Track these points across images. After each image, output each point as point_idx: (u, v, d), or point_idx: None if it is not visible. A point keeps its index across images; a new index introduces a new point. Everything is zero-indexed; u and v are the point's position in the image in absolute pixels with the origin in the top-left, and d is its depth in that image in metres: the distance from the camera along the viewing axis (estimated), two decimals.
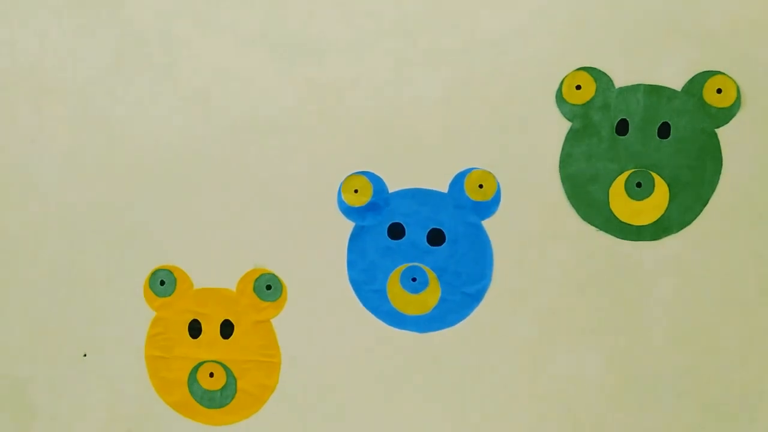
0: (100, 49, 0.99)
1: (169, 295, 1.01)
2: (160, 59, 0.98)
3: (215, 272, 1.01)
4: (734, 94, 0.89)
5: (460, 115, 0.95)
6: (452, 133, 0.95)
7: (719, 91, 0.90)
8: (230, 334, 1.00)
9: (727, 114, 0.91)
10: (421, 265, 0.97)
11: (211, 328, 1.00)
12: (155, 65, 0.98)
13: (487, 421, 0.99)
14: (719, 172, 0.92)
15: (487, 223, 0.96)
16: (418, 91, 0.95)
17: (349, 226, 0.98)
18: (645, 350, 0.96)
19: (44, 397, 1.06)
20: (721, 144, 0.91)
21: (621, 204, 0.93)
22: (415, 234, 0.97)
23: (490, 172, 0.95)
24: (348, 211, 0.98)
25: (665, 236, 0.93)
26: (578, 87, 0.92)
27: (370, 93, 0.95)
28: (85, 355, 1.05)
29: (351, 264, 0.98)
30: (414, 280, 0.97)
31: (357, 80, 0.96)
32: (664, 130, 0.92)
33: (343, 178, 0.97)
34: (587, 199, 0.94)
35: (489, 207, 0.96)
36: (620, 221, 0.94)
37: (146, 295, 1.02)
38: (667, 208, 0.93)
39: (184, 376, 1.02)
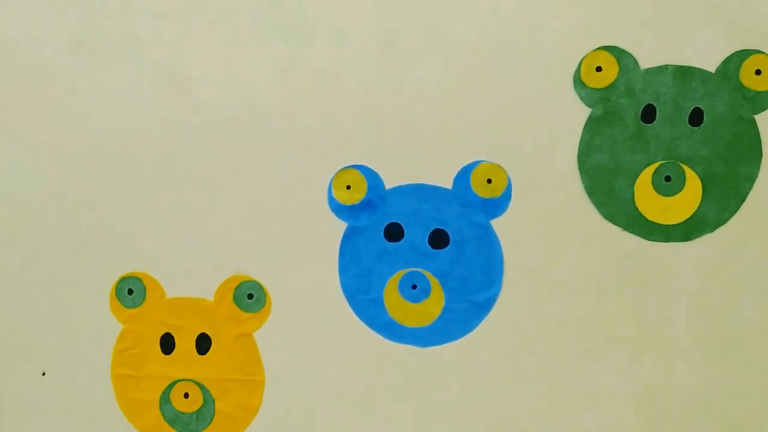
0: (61, 28, 0.94)
1: (139, 305, 0.96)
2: (130, 41, 0.93)
3: (190, 280, 0.96)
4: None
5: (465, 101, 0.89)
6: (457, 121, 0.90)
7: (758, 72, 0.85)
8: (207, 350, 0.96)
9: (766, 98, 0.85)
10: (422, 271, 0.92)
11: (185, 343, 0.96)
12: (124, 48, 0.93)
13: None
14: (758, 164, 0.86)
15: (496, 223, 0.91)
16: (418, 73, 0.89)
17: (341, 226, 0.93)
18: (674, 365, 0.91)
19: None
20: (760, 132, 0.86)
21: (648, 200, 0.88)
22: (416, 235, 0.92)
23: (499, 166, 0.89)
24: (339, 209, 0.92)
25: (698, 237, 0.88)
26: (599, 68, 0.86)
27: (364, 76, 0.90)
28: (43, 374, 1.01)
29: (343, 269, 0.93)
30: (414, 287, 0.92)
31: (349, 61, 0.90)
32: (696, 117, 0.86)
33: (333, 173, 0.92)
34: (610, 194, 0.89)
35: (498, 205, 0.90)
36: (647, 220, 0.89)
37: (112, 306, 0.97)
38: (699, 205, 0.88)
39: (156, 397, 0.97)
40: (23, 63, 0.95)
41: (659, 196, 0.88)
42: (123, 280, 0.96)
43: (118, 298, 0.96)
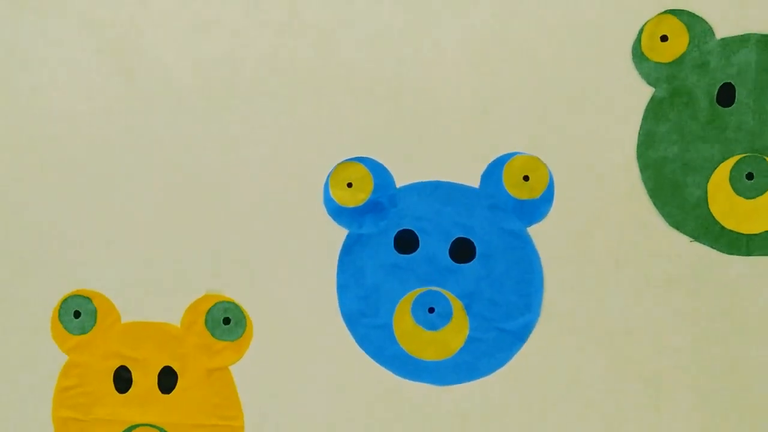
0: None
1: (88, 331, 0.92)
2: (76, 5, 0.89)
3: (152, 300, 0.91)
4: None
5: (496, 79, 0.84)
6: (486, 104, 0.85)
7: None
8: (172, 388, 0.91)
9: None
10: (441, 290, 0.87)
11: (145, 379, 0.92)
12: (68, 15, 0.89)
13: None
14: None
15: (535, 231, 0.85)
16: (439, 45, 0.85)
17: (340, 234, 0.88)
18: (757, 410, 0.84)
19: None
20: None
21: (724, 203, 0.83)
22: (434, 246, 0.87)
23: (539, 159, 0.84)
24: (339, 213, 0.88)
25: None
26: (664, 38, 0.82)
27: (372, 46, 0.86)
28: None
29: (343, 288, 0.89)
30: (431, 311, 0.87)
31: (353, 27, 0.86)
32: None
33: (332, 167, 0.87)
34: (677, 196, 0.83)
35: (537, 208, 0.85)
36: (723, 228, 0.83)
37: (54, 332, 0.92)
38: None
39: None
40: None
41: (739, 198, 0.83)
42: (68, 299, 0.92)
43: (62, 323, 0.92)
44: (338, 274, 0.88)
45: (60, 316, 0.91)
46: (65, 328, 0.91)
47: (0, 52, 0.91)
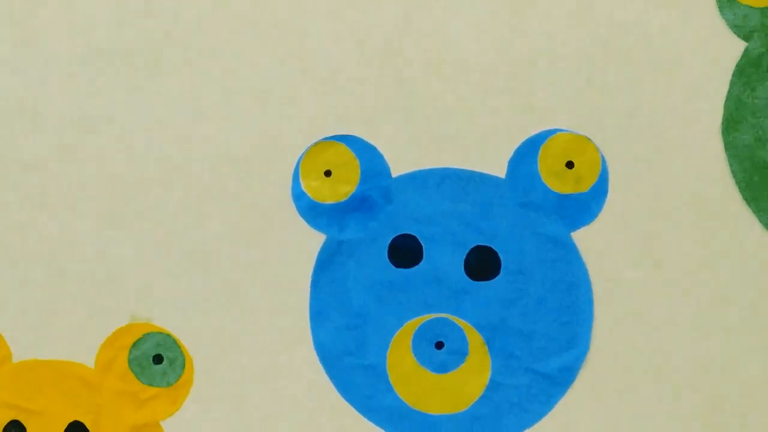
0: None
1: None
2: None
3: (55, 332, 0.76)
4: None
5: (528, 30, 0.71)
6: (516, 62, 0.71)
7: None
8: None
9: None
10: (453, 318, 0.73)
11: None
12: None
13: None
14: None
15: (581, 237, 0.71)
16: None
17: (316, 241, 0.74)
18: None
19: None
20: None
21: None
22: (443, 258, 0.73)
23: (588, 139, 0.71)
24: (313, 211, 0.74)
25: None
26: None
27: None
28: None
29: (318, 315, 0.74)
30: (440, 346, 0.73)
31: None
32: None
33: (304, 149, 0.73)
34: None
35: (586, 205, 0.71)
36: None
37: None
38: None
39: None
40: None
41: None
42: None
43: None
44: (311, 295, 0.72)
45: None
46: None
47: None
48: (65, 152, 0.75)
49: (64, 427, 0.74)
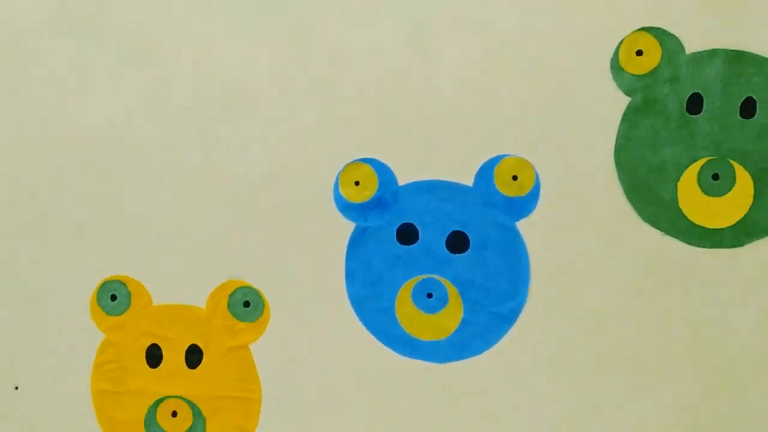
0: (37, 7, 0.93)
1: (122, 313, 0.95)
2: (103, 15, 0.92)
3: (180, 285, 0.94)
4: None
5: (489, 88, 0.87)
6: (480, 110, 0.88)
7: None
8: (198, 363, 0.94)
9: None
10: (439, 278, 0.90)
11: (174, 356, 0.94)
12: (97, 22, 0.92)
13: None
14: None
15: (523, 225, 0.88)
16: (436, 55, 0.87)
17: (348, 227, 0.91)
18: (723, 388, 0.88)
19: None
20: None
21: (693, 201, 0.86)
22: (432, 238, 0.90)
23: (526, 161, 0.87)
24: (347, 208, 0.90)
25: (749, 242, 0.85)
26: (639, 53, 0.84)
27: (376, 57, 0.88)
28: (16, 388, 0.98)
29: (350, 276, 0.91)
30: (430, 296, 0.90)
31: (360, 43, 0.89)
32: (748, 108, 0.84)
33: (341, 167, 0.90)
34: (650, 195, 0.86)
35: (525, 204, 0.88)
36: (692, 223, 0.86)
37: (93, 314, 0.95)
38: (751, 207, 0.85)
39: (141, 416, 0.95)
40: None
41: (706, 196, 0.85)
42: (105, 284, 0.95)
43: (100, 305, 0.95)
44: (346, 262, 0.91)
45: (98, 299, 0.94)
46: (103, 310, 0.94)
47: (46, 70, 0.94)
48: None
49: (185, 348, 0.95)
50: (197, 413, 0.94)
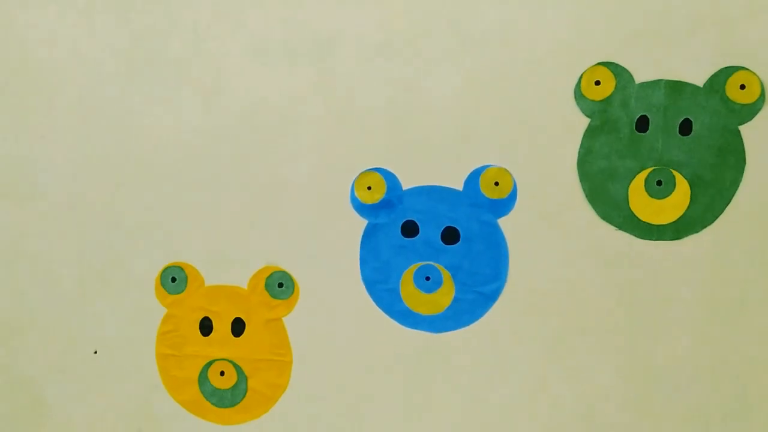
0: (111, 45, 0.99)
1: (181, 292, 1.01)
2: (170, 54, 0.98)
3: (226, 269, 1.00)
4: (758, 90, 0.88)
5: (476, 111, 0.93)
6: (468, 129, 0.94)
7: (742, 87, 0.88)
8: (241, 332, 1.00)
9: (750, 110, 0.89)
10: (435, 264, 0.96)
11: (222, 326, 1.00)
12: (164, 61, 0.98)
13: (500, 422, 0.99)
14: (742, 171, 0.90)
15: (502, 222, 0.95)
16: (432, 85, 0.94)
17: (362, 223, 0.97)
18: (664, 354, 0.95)
19: (55, 394, 1.06)
20: (744, 141, 0.90)
21: (641, 202, 0.92)
22: (429, 232, 0.96)
23: (506, 170, 0.94)
24: (361, 208, 0.97)
25: (686, 236, 0.92)
26: (597, 82, 0.90)
27: (384, 89, 0.94)
28: (95, 353, 1.05)
29: (364, 262, 0.97)
30: (428, 279, 0.96)
31: (369, 74, 0.95)
32: (685, 127, 0.90)
33: (356, 175, 0.96)
34: (606, 197, 0.93)
35: (505, 205, 0.94)
36: (640, 220, 0.93)
37: (157, 292, 1.01)
38: (688, 207, 0.91)
39: (195, 375, 1.02)
40: (74, 73, 1.00)
41: (651, 198, 0.92)
42: (167, 269, 1.01)
43: (163, 285, 1.01)
44: (360, 251, 0.97)
45: (161, 280, 1.00)
46: (165, 289, 1.00)
47: (114, 92, 0.99)
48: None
49: (231, 320, 1.00)
50: (240, 372, 1.01)
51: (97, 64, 0.99)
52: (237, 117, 0.97)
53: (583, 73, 0.90)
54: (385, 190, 0.95)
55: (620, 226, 0.93)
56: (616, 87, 0.90)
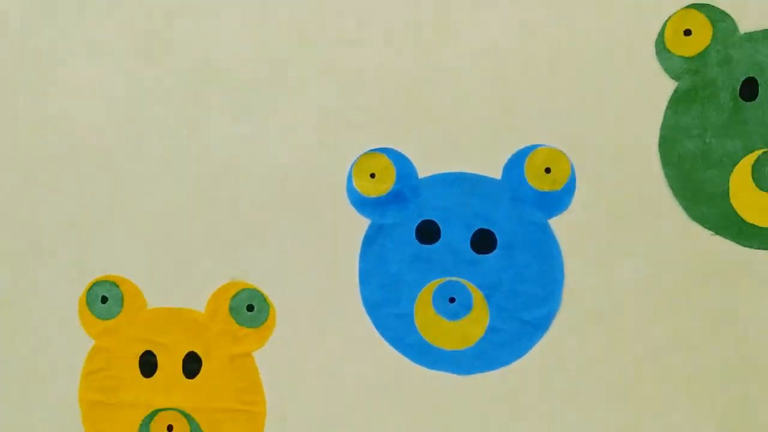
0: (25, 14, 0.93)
1: (114, 316, 0.94)
2: (93, 17, 0.92)
3: (177, 287, 0.94)
4: None
5: (518, 72, 0.86)
6: (509, 96, 0.86)
7: None
8: (197, 372, 0.93)
9: None
10: (462, 281, 0.88)
11: (170, 364, 0.94)
12: (87, 26, 0.93)
13: None
14: None
15: (556, 223, 0.87)
16: (463, 36, 0.86)
17: (363, 224, 0.90)
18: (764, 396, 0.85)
19: None
20: None
21: (747, 197, 0.83)
22: (455, 236, 0.88)
23: (561, 152, 0.86)
24: (361, 203, 0.89)
25: None
26: (688, 32, 0.83)
27: (393, 36, 0.87)
28: None
29: (365, 277, 0.90)
30: (452, 301, 0.88)
31: (374, 18, 0.87)
32: None
33: (355, 158, 0.89)
34: (699, 190, 0.84)
35: (559, 200, 0.86)
36: (745, 222, 0.84)
37: (82, 317, 0.95)
38: None
39: (134, 430, 0.95)
40: None
41: (761, 192, 0.83)
42: (96, 285, 0.95)
43: (90, 308, 0.95)
44: (360, 263, 0.90)
45: (88, 301, 0.93)
46: (93, 313, 0.94)
47: (31, 51, 0.93)
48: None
49: (183, 355, 0.93)
50: (195, 428, 0.94)
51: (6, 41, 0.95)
52: (182, 75, 0.92)
53: (668, 19, 0.83)
54: (394, 178, 0.88)
55: (718, 230, 0.84)
56: (713, 38, 0.83)
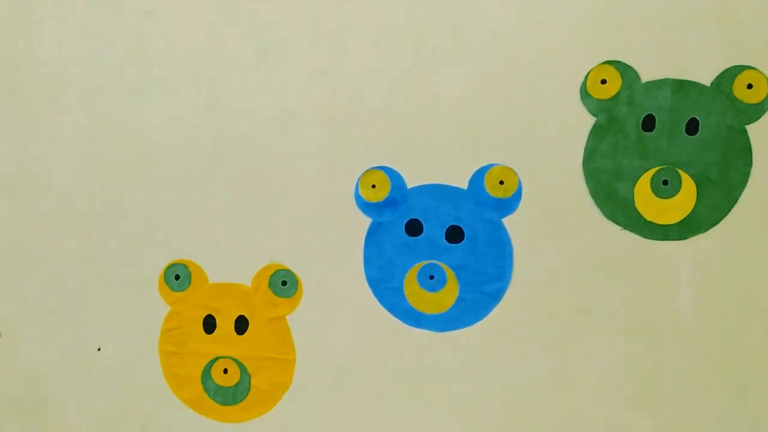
0: (116, 44, 1.00)
1: (184, 289, 1.01)
2: (174, 54, 0.99)
3: (230, 267, 1.00)
4: (765, 90, 0.89)
5: (481, 110, 0.94)
6: (473, 128, 0.94)
7: (750, 86, 0.89)
8: (245, 330, 1.00)
9: (757, 110, 0.90)
10: (439, 263, 0.96)
11: (225, 324, 1.00)
12: (167, 63, 0.99)
13: (503, 420, 0.99)
14: (749, 170, 0.91)
15: (507, 221, 0.96)
16: (438, 84, 0.94)
17: (366, 222, 0.98)
18: (668, 352, 0.95)
19: (58, 391, 1.06)
20: (751, 141, 0.90)
21: (647, 202, 0.92)
22: (434, 231, 0.96)
23: (511, 169, 0.94)
24: (365, 206, 0.97)
25: (692, 236, 0.93)
26: (603, 81, 0.91)
27: (390, 87, 0.95)
28: (99, 349, 1.05)
29: (368, 261, 0.97)
30: (432, 278, 0.96)
31: (376, 73, 0.95)
32: (692, 127, 0.91)
33: (360, 173, 0.97)
34: (612, 196, 0.93)
35: (510, 204, 0.95)
36: (646, 220, 0.93)
37: (161, 290, 1.02)
38: (694, 207, 0.92)
39: (198, 372, 1.02)
40: (81, 75, 1.01)
41: (657, 198, 0.92)
42: (171, 266, 1.01)
43: (167, 283, 1.01)
44: (364, 250, 0.97)
45: (165, 278, 1.01)
46: (169, 287, 1.00)
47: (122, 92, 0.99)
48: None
49: (235, 318, 1.00)
50: (243, 370, 1.01)
51: (102, 64, 1.00)
52: (242, 115, 0.98)
53: (590, 71, 0.91)
54: (389, 188, 0.95)
55: (625, 226, 0.93)
56: (622, 86, 0.91)
